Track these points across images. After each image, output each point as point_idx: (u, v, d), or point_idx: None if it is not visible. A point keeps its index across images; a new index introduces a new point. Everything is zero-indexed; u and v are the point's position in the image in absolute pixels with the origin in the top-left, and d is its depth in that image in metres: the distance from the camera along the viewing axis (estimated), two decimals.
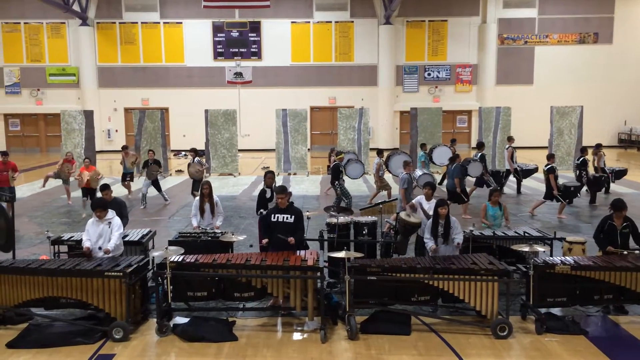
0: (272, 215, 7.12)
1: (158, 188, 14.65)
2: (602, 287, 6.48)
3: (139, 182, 15.81)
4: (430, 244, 7.27)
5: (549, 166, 12.59)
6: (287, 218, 7.07)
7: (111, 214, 7.19)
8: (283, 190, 7.21)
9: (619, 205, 7.23)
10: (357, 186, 17.51)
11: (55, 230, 10.58)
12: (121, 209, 8.26)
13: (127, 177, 15.80)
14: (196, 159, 14.50)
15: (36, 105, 29.27)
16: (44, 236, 8.47)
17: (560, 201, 12.47)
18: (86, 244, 7.01)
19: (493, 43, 28.91)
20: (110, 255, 6.91)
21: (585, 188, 14.37)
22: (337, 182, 13.34)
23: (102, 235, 7.03)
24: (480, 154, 14.92)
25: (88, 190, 13.08)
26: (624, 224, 7.19)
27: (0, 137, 29.37)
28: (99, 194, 8.88)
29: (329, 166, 20.53)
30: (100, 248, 7.01)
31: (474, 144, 27.08)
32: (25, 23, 28.81)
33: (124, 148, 16.13)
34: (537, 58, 29.19)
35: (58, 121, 22.14)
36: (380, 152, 15.32)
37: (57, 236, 8.11)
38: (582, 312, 6.87)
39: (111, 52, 29.03)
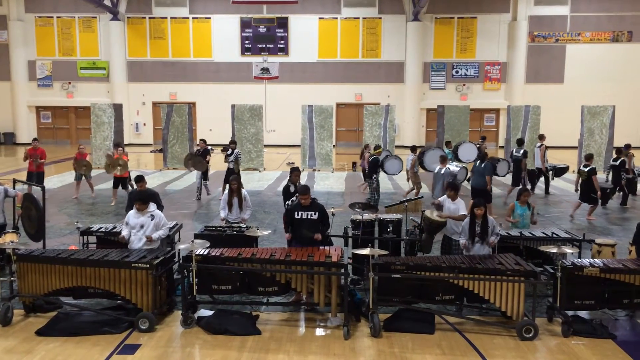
0: (296, 213, 7.13)
1: (205, 178, 14.51)
2: (632, 291, 6.33)
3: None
4: (462, 240, 7.17)
5: (591, 167, 12.09)
6: (311, 215, 7.09)
7: (152, 206, 7.37)
8: (306, 190, 7.23)
9: None
10: (384, 183, 17.42)
11: (84, 222, 10.77)
12: (156, 198, 8.47)
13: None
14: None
15: (67, 98, 29.84)
16: (74, 227, 8.64)
17: (594, 203, 12.10)
18: (123, 232, 7.22)
19: (523, 41, 28.44)
20: (149, 246, 7.07)
21: (618, 189, 14.02)
22: (374, 176, 13.23)
23: (144, 226, 7.21)
24: (523, 150, 14.67)
25: (119, 180, 13.41)
26: None
27: (32, 129, 30.02)
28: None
29: (354, 163, 20.55)
30: (140, 239, 7.17)
31: (501, 142, 26.76)
32: (57, 17, 29.35)
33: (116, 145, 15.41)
34: (569, 56, 28.63)
35: (88, 114, 22.56)
36: (414, 148, 15.21)
37: (87, 227, 8.28)
38: (611, 316, 6.74)
39: (141, 46, 29.41)
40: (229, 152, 14.29)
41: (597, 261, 6.60)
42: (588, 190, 12.02)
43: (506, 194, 14.47)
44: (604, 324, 6.41)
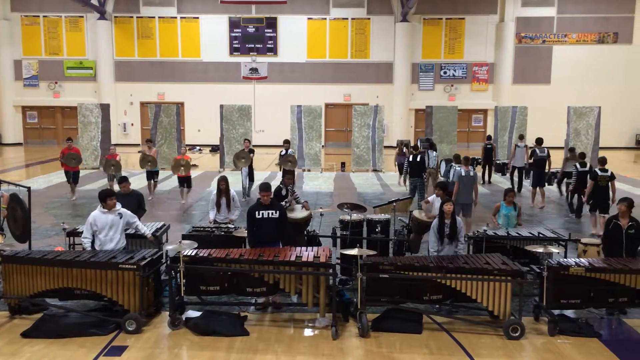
0: (257, 212, 6.93)
1: (251, 179, 14.62)
2: (617, 290, 6.39)
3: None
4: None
5: (611, 172, 10.80)
6: (272, 214, 6.92)
7: (117, 205, 7.15)
8: (268, 187, 7.05)
9: (629, 200, 7.14)
10: (371, 184, 17.49)
11: (70, 222, 10.68)
12: (140, 200, 8.44)
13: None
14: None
15: (53, 98, 29.59)
16: (60, 228, 8.56)
17: (607, 213, 10.51)
18: (86, 245, 6.96)
19: (510, 42, 28.66)
20: (119, 247, 6.97)
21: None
22: (424, 174, 13.41)
23: (114, 226, 7.01)
24: (546, 150, 14.08)
25: (184, 180, 13.79)
26: (630, 223, 7.05)
27: (18, 129, 29.77)
28: (115, 187, 8.94)
29: (343, 163, 20.53)
30: (111, 239, 7.00)
31: None
32: (44, 16, 29.11)
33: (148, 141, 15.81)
34: (555, 57, 28.89)
35: (75, 114, 22.41)
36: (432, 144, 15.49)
37: (73, 228, 8.21)
38: (596, 315, 6.81)
39: (128, 46, 29.24)
40: (283, 152, 14.46)
41: (583, 260, 6.66)
42: (604, 198, 10.63)
43: (531, 197, 13.97)
44: (589, 323, 6.46)
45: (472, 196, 10.26)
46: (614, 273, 6.35)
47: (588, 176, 11.55)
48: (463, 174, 10.27)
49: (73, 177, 14.18)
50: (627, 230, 7.02)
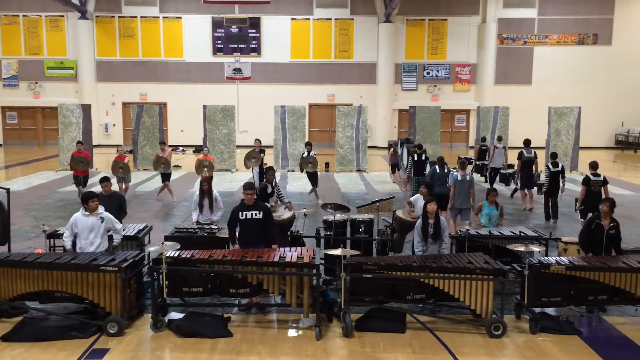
0: (241, 213, 6.91)
1: (261, 178, 14.30)
2: (596, 288, 6.49)
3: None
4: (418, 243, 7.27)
5: (604, 177, 10.41)
6: (256, 214, 6.89)
7: (100, 208, 7.06)
8: (251, 186, 7.05)
9: (611, 201, 7.23)
10: (355, 184, 17.52)
11: (50, 224, 10.54)
12: (121, 202, 8.38)
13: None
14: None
15: (34, 99, 29.19)
16: (40, 230, 8.45)
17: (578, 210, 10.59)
18: (67, 244, 6.93)
19: (492, 43, 28.90)
20: (100, 252, 6.84)
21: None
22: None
23: (94, 230, 6.91)
24: (534, 151, 13.74)
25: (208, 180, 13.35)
26: (612, 224, 7.13)
27: None
28: (97, 187, 8.84)
29: (327, 163, 20.56)
30: (91, 243, 6.91)
31: (472, 143, 27.14)
32: (24, 16, 28.70)
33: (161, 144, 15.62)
34: (536, 58, 29.20)
35: (55, 114, 22.11)
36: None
37: (53, 230, 8.11)
38: (576, 313, 6.89)
39: (110, 46, 28.95)
40: (305, 154, 14.43)
41: (563, 259, 6.74)
42: (598, 204, 9.52)
43: (521, 199, 13.79)
44: (570, 321, 6.55)
45: (469, 201, 10.11)
46: (594, 271, 6.44)
47: (560, 177, 11.76)
48: (459, 178, 10.16)
49: (83, 181, 13.93)
50: (609, 230, 7.09)
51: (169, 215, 12.67)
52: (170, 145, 27.01)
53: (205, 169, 13.50)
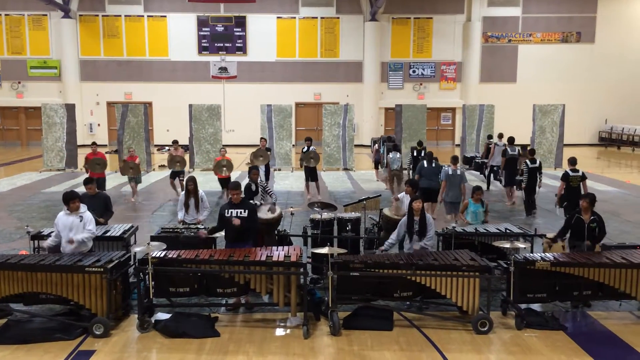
0: (226, 211, 6.99)
1: (267, 177, 14.48)
2: (581, 283, 6.56)
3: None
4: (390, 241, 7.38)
5: (582, 172, 10.57)
6: (240, 213, 6.95)
7: (83, 207, 7.00)
8: (237, 186, 7.15)
9: (590, 196, 7.36)
10: (342, 182, 17.55)
11: (35, 226, 10.43)
12: (106, 202, 8.36)
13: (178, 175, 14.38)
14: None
15: (17, 99, 28.83)
16: (24, 231, 8.36)
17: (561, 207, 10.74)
18: (45, 243, 6.96)
19: (477, 41, 29.07)
20: (73, 247, 6.74)
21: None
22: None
23: (73, 229, 6.84)
24: (517, 148, 13.90)
25: (225, 181, 13.19)
26: (592, 217, 7.26)
27: None
28: (81, 188, 8.76)
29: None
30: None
31: (457, 141, 27.31)
32: (5, 15, 28.32)
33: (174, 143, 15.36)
34: (521, 56, 29.42)
35: (39, 114, 21.85)
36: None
37: (37, 231, 8.02)
38: (562, 308, 6.97)
39: (94, 45, 28.67)
40: (305, 149, 14.39)
41: (548, 255, 6.82)
42: (577, 200, 9.38)
43: (507, 196, 13.90)
44: (555, 316, 6.62)
45: (460, 195, 10.38)
46: (578, 267, 6.51)
47: (538, 173, 11.92)
48: (450, 172, 10.42)
49: (100, 184, 13.32)
50: (589, 224, 7.24)
51: (154, 215, 12.59)
52: (155, 145, 26.98)
53: (224, 168, 13.37)
